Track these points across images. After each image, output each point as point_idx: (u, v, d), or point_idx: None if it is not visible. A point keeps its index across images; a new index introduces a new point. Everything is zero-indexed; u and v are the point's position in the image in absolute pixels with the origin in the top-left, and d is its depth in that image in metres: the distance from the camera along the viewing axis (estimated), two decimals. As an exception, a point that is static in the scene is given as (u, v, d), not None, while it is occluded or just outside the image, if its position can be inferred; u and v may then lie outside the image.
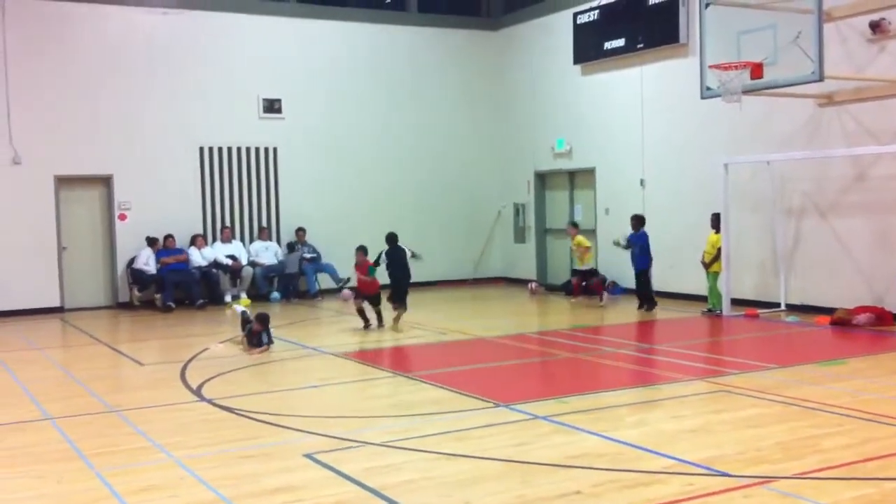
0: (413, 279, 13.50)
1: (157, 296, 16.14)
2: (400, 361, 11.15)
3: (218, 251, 16.83)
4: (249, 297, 16.69)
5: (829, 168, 13.08)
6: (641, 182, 16.18)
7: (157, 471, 6.24)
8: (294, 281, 17.20)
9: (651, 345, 11.33)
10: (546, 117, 18.43)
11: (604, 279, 15.93)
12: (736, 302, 13.58)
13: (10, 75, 15.53)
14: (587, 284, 15.73)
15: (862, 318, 11.95)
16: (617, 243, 14.87)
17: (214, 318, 14.80)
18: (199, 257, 16.59)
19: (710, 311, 13.65)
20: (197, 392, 8.87)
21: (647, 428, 7.21)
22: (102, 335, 13.31)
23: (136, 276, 16.31)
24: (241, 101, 17.33)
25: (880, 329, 11.74)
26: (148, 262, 16.17)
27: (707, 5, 12.72)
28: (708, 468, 5.94)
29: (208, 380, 9.43)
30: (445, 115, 19.25)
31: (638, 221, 14.67)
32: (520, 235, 19.33)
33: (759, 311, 13.43)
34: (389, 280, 13.34)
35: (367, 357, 11.11)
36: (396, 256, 13.20)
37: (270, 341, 11.36)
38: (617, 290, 16.28)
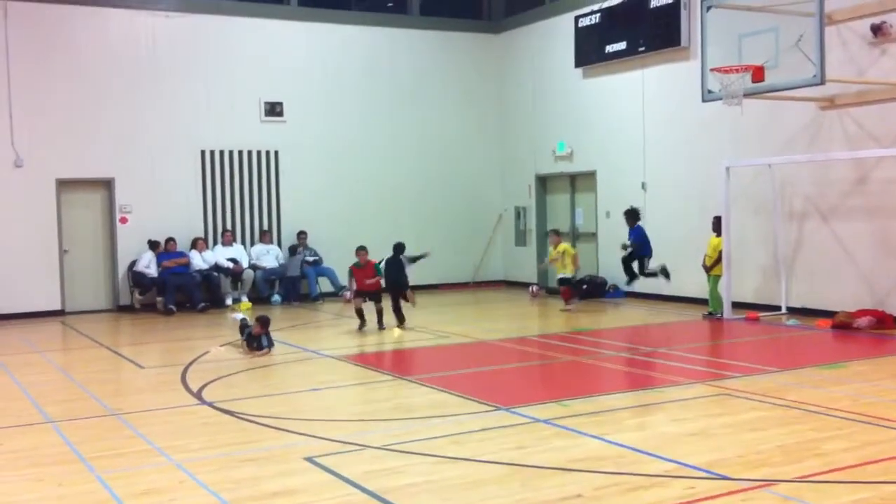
0: (415, 282, 13.55)
1: (159, 299, 16.15)
2: (401, 364, 11.15)
3: (219, 254, 16.84)
4: (250, 300, 16.70)
5: (830, 171, 13.08)
6: (643, 185, 16.18)
7: (157, 474, 6.24)
8: (295, 284, 17.20)
9: (652, 348, 11.32)
10: (547, 120, 18.44)
11: (580, 284, 15.84)
12: (737, 305, 13.57)
13: (12, 78, 15.55)
14: (587, 288, 15.70)
15: (863, 321, 11.94)
16: (625, 246, 14.79)
17: (215, 322, 14.80)
18: (200, 260, 16.60)
19: (711, 314, 13.64)
20: (198, 395, 8.87)
21: (649, 431, 7.22)
22: (103, 338, 13.31)
23: (138, 280, 16.32)
24: (243, 105, 17.34)
25: (881, 332, 11.73)
26: (149, 265, 16.18)
27: (708, 8, 12.74)
28: (709, 471, 5.94)
29: (209, 383, 9.43)
30: (447, 118, 19.25)
31: (631, 216, 14.65)
32: (521, 239, 19.33)
33: (761, 314, 13.42)
34: (386, 287, 13.46)
35: (368, 360, 11.11)
36: (395, 265, 13.49)
37: (271, 344, 11.35)
38: (618, 293, 16.28)
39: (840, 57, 12.54)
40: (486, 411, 7.88)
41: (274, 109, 17.64)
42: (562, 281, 15.23)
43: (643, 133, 16.18)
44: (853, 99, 12.64)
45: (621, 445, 6.61)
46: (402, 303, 13.44)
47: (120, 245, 16.48)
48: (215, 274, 16.61)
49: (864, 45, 12.48)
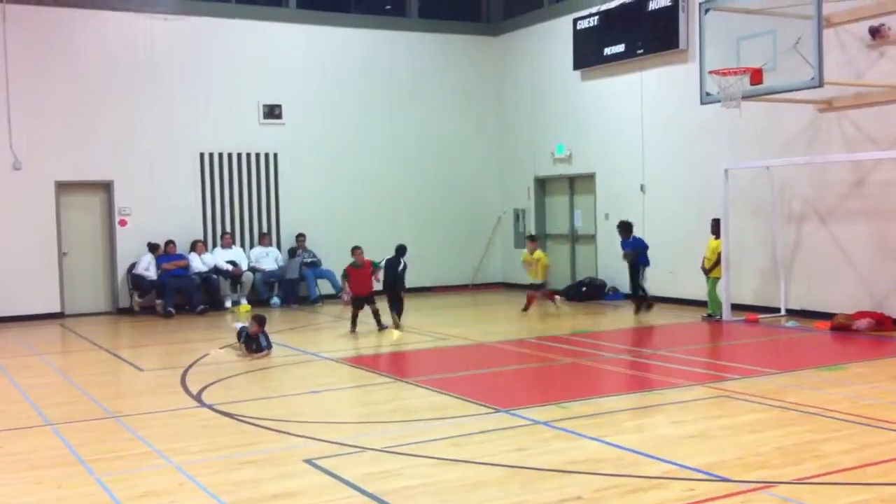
0: (414, 284, 13.60)
1: (158, 301, 16.15)
2: (400, 366, 11.15)
3: (218, 257, 16.84)
4: (250, 302, 16.70)
5: (828, 173, 13.09)
6: (641, 187, 16.19)
7: (156, 476, 6.24)
8: (294, 287, 17.20)
9: (651, 350, 11.33)
10: (546, 123, 18.45)
11: (551, 289, 15.90)
12: (736, 307, 13.58)
13: (11, 81, 15.55)
14: (586, 290, 15.70)
15: (862, 323, 11.95)
16: (626, 256, 14.77)
17: (215, 324, 14.81)
18: (199, 263, 16.60)
19: (710, 316, 13.65)
20: (197, 398, 8.87)
21: (648, 433, 7.22)
22: (103, 341, 13.31)
23: (137, 282, 16.32)
24: (242, 107, 17.35)
25: (880, 334, 11.74)
26: (148, 267, 16.18)
27: (707, 11, 12.76)
28: (708, 473, 5.94)
29: (208, 385, 9.43)
30: (445, 120, 19.26)
31: (625, 228, 14.61)
32: (520, 241, 19.30)
33: (759, 316, 13.43)
34: (383, 287, 13.61)
35: (367, 362, 11.10)
36: (394, 265, 13.65)
37: (269, 346, 11.35)
38: (617, 295, 16.29)
39: (838, 59, 12.56)
40: (486, 413, 7.89)
41: (273, 112, 17.64)
42: (533, 285, 15.38)
43: (642, 135, 16.20)
44: (851, 101, 12.65)
45: (621, 447, 6.62)
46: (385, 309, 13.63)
47: (119, 248, 16.47)
48: (214, 276, 16.60)
49: (863, 48, 12.49)
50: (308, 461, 6.43)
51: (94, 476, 6.26)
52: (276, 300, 17.08)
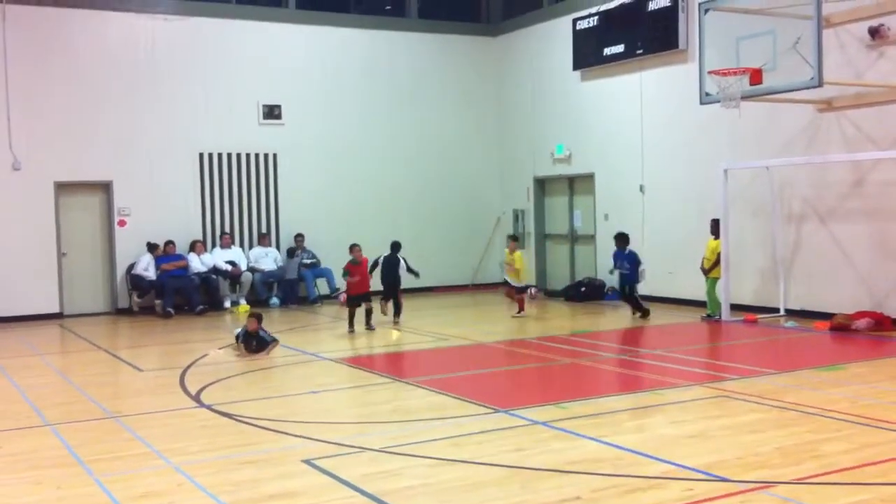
0: (413, 284, 13.69)
1: (157, 302, 16.14)
2: (399, 367, 11.15)
3: (217, 257, 16.84)
4: (249, 302, 16.69)
5: (828, 173, 13.09)
6: (641, 188, 16.19)
7: (155, 477, 6.24)
8: (293, 287, 17.20)
9: (650, 350, 11.33)
10: (545, 123, 18.45)
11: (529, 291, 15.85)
12: (735, 307, 13.58)
13: (11, 81, 15.55)
14: (585, 290, 15.69)
15: (861, 323, 11.96)
16: (612, 271, 14.72)
17: (214, 325, 14.81)
18: (198, 263, 16.59)
19: (709, 316, 13.65)
20: (196, 398, 8.87)
21: (647, 433, 7.22)
22: (102, 341, 13.31)
23: (136, 282, 16.31)
24: (241, 107, 17.35)
25: (880, 334, 11.74)
26: (147, 267, 16.18)
27: (706, 11, 12.76)
28: (707, 473, 5.94)
29: (207, 386, 9.43)
30: (445, 121, 19.26)
31: (621, 240, 14.53)
32: (520, 241, 19.30)
33: (759, 316, 13.43)
34: (382, 283, 13.91)
35: (366, 362, 11.11)
36: (391, 263, 13.92)
37: (273, 339, 11.43)
38: (614, 296, 16.27)
39: (838, 59, 12.56)
40: (485, 413, 7.89)
41: (272, 112, 17.64)
42: (513, 286, 15.25)
43: (641, 136, 16.20)
44: (851, 101, 12.66)
45: (620, 447, 6.62)
46: (386, 304, 13.97)
47: (118, 248, 16.47)
48: (214, 277, 16.60)
49: (862, 48, 12.50)
50: (307, 461, 6.43)
51: (94, 476, 6.26)
52: (275, 300, 17.08)
